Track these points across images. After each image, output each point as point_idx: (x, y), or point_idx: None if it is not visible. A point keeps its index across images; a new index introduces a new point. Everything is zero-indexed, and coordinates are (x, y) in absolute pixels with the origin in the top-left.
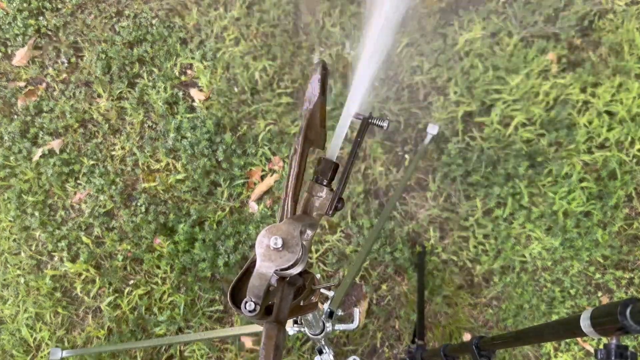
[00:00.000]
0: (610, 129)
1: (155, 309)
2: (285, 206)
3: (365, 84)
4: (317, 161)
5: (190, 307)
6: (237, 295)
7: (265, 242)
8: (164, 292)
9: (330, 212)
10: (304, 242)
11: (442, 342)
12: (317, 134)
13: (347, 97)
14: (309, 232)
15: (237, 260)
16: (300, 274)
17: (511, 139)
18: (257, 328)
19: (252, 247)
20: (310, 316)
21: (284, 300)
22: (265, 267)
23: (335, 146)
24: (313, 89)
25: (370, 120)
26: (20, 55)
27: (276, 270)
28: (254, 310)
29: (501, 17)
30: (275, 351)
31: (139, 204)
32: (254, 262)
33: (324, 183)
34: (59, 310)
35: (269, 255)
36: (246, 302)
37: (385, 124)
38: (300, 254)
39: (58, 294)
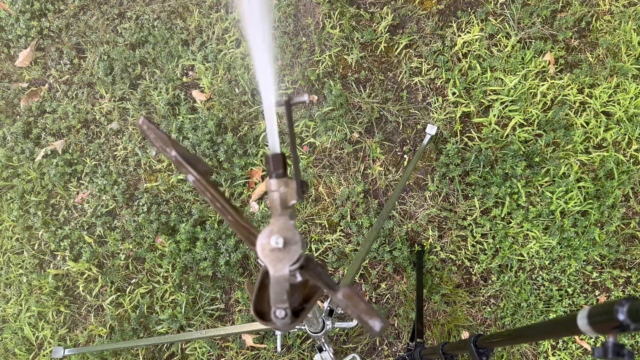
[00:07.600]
0: (607, 129)
1: (157, 308)
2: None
3: (269, 74)
4: (264, 160)
5: (191, 305)
6: (261, 311)
7: (268, 246)
8: (166, 290)
9: (301, 197)
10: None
11: (441, 340)
12: (199, 161)
13: (260, 93)
14: (293, 222)
15: (238, 259)
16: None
17: (509, 139)
18: (257, 326)
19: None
20: (310, 314)
21: (322, 274)
22: (279, 269)
23: (273, 140)
24: (157, 137)
25: (291, 102)
26: (23, 57)
27: (289, 267)
28: (285, 315)
29: (499, 18)
30: (362, 300)
31: (141, 203)
32: (265, 273)
33: (282, 176)
34: (61, 308)
35: (276, 256)
36: (275, 312)
37: (305, 98)
38: (301, 242)
39: (60, 293)
